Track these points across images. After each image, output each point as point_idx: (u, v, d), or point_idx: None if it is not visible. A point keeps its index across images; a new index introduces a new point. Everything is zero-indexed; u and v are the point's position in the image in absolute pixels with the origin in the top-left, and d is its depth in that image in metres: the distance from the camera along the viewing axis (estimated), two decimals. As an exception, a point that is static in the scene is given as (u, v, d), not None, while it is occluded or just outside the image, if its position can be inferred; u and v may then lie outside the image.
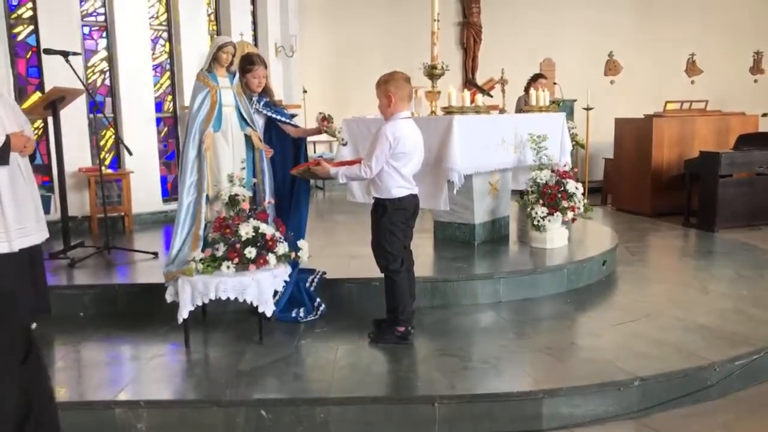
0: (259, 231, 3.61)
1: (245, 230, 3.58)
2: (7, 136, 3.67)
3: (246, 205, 3.73)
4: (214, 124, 3.83)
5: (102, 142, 6.75)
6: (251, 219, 3.65)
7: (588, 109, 8.37)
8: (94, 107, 5.37)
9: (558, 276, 4.73)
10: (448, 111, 5.17)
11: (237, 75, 4.03)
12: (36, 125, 6.15)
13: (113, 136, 6.67)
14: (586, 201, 5.35)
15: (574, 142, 7.61)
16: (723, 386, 3.37)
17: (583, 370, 3.35)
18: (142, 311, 4.25)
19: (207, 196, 3.82)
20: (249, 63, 4.03)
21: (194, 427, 3.05)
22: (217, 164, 3.86)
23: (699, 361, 3.42)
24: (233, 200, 3.73)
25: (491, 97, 8.50)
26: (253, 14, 8.56)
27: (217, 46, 3.87)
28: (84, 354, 3.74)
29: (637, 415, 3.16)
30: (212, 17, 7.71)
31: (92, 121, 6.39)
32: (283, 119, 4.19)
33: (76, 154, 6.24)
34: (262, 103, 4.14)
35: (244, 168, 3.87)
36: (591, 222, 6.41)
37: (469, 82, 10.44)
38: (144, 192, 6.67)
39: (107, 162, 6.76)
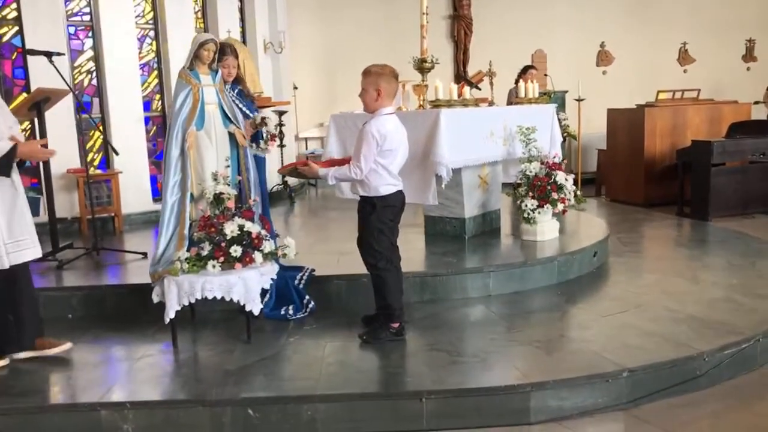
0: (245, 229, 3.59)
1: (230, 228, 3.56)
2: (15, 145, 3.21)
3: (231, 204, 3.70)
4: (196, 123, 3.79)
5: (90, 143, 6.72)
6: (236, 217, 3.63)
7: (579, 100, 8.35)
8: (80, 107, 5.33)
9: (548, 268, 4.71)
10: (436, 104, 5.14)
11: (220, 72, 4.00)
12: (23, 126, 6.10)
13: (101, 137, 6.63)
14: (578, 192, 5.32)
15: (566, 134, 7.60)
16: (712, 376, 3.36)
17: (572, 363, 3.34)
18: (131, 312, 4.23)
19: (191, 195, 3.80)
20: (220, 53, 4.04)
21: (181, 427, 3.03)
22: (201, 163, 3.83)
23: (688, 351, 3.40)
24: (218, 199, 3.70)
25: (479, 89, 8.49)
26: (241, 11, 8.51)
27: (198, 44, 3.82)
28: (72, 356, 3.70)
29: (626, 407, 3.15)
30: (199, 15, 7.66)
31: (79, 122, 6.35)
32: (246, 112, 4.21)
33: (64, 155, 6.19)
34: (236, 91, 4.19)
35: (228, 166, 3.84)
36: (583, 213, 6.39)
37: (460, 76, 10.41)
38: (133, 192, 6.64)
39: (96, 162, 6.73)
